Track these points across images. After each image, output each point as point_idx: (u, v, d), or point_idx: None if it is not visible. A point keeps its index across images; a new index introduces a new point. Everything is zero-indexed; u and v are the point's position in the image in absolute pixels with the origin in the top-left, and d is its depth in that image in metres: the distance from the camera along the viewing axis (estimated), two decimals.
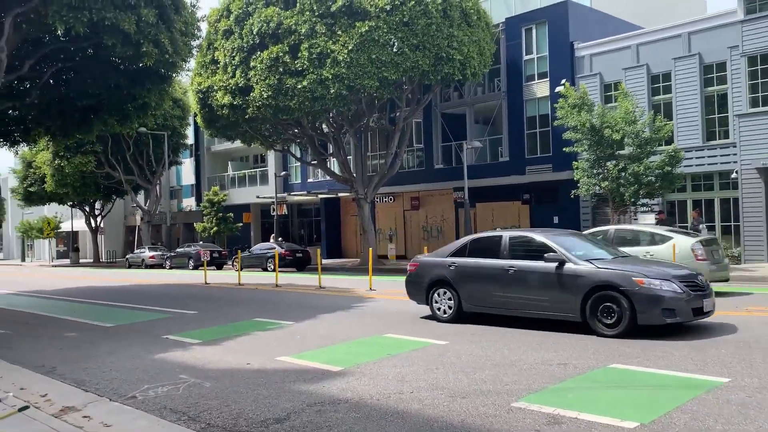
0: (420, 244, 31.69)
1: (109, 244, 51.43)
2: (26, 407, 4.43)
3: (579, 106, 20.71)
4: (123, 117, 19.59)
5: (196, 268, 32.74)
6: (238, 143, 39.74)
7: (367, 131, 28.98)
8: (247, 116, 25.01)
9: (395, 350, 8.43)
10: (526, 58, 27.14)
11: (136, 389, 7.17)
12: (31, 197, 45.65)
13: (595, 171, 20.98)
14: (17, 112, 20.32)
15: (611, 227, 15.49)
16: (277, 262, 20.85)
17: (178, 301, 16.18)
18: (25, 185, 45.35)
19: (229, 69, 25.01)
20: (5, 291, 22.06)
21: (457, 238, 29.69)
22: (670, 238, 13.14)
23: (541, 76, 26.67)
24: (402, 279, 19.31)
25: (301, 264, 28.67)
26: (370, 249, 18.32)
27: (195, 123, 43.67)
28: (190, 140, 44.08)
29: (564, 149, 22.47)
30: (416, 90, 26.67)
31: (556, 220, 26.30)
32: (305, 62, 22.94)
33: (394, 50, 22.71)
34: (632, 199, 20.24)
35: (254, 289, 18.90)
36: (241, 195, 39.97)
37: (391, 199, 32.41)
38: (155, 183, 41.94)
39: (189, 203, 46.77)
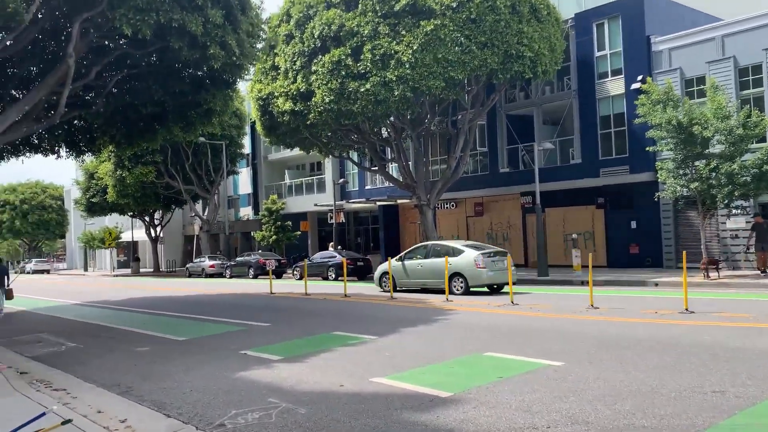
0: None
1: (168, 254, 51.99)
2: (69, 421, 4.28)
3: (663, 103, 19.27)
4: (187, 124, 19.23)
5: (255, 276, 32.48)
6: (294, 151, 39.53)
7: (428, 135, 28.06)
8: (308, 122, 24.44)
9: (505, 372, 7.44)
10: (598, 54, 25.74)
11: (224, 415, 6.40)
12: (93, 208, 46.52)
13: (681, 172, 19.46)
14: (83, 122, 20.26)
15: (429, 243, 21.02)
16: (345, 271, 20.04)
17: (247, 312, 15.57)
18: (87, 196, 46.25)
19: (290, 74, 24.53)
20: (73, 302, 22.03)
21: (525, 245, 28.43)
22: (463, 251, 18.09)
23: (615, 72, 25.23)
24: (478, 290, 18.53)
25: (362, 273, 27.90)
26: (446, 257, 17.33)
27: (252, 132, 43.89)
28: (247, 149, 44.13)
29: (647, 149, 21.03)
30: (481, 91, 25.63)
31: (633, 224, 24.76)
32: (368, 64, 22.22)
33: (461, 49, 21.75)
34: (725, 201, 18.66)
35: (322, 299, 18.17)
36: (298, 203, 39.63)
37: (453, 205, 31.37)
38: (213, 192, 42.07)
39: (246, 212, 46.80)
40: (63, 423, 4.22)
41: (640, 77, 23.70)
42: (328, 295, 19.38)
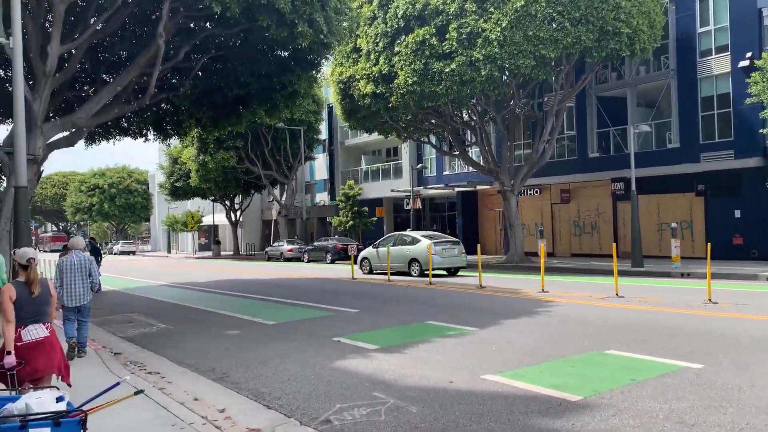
0: (570, 240, 29.20)
1: (247, 237, 52.98)
2: (141, 391, 4.36)
3: None
4: (271, 106, 19.04)
5: (333, 261, 32.37)
6: (372, 137, 39.10)
7: (513, 118, 26.92)
8: (389, 105, 23.86)
9: (637, 375, 6.59)
10: (700, 30, 23.80)
11: (328, 409, 5.91)
12: (177, 192, 47.83)
13: None
14: (170, 105, 20.45)
15: (397, 233, 24.57)
16: (430, 257, 19.33)
17: (331, 297, 15.22)
18: (171, 180, 47.58)
19: (372, 56, 23.99)
20: (160, 283, 22.45)
21: (615, 234, 26.90)
22: (420, 240, 21.38)
23: (720, 50, 23.25)
24: (572, 279, 17.57)
25: None
26: (542, 245, 16.47)
27: (329, 118, 43.85)
28: (323, 135, 44.14)
29: (761, 131, 19.22)
30: (571, 71, 24.26)
31: (737, 214, 22.87)
32: (453, 44, 21.36)
33: (554, 26, 20.53)
34: None
35: (406, 285, 17.63)
36: (374, 189, 39.27)
37: (537, 192, 30.09)
38: (291, 178, 42.32)
39: (322, 198, 46.93)
40: (135, 393, 4.24)
41: (749, 54, 21.74)
42: (411, 281, 18.80)
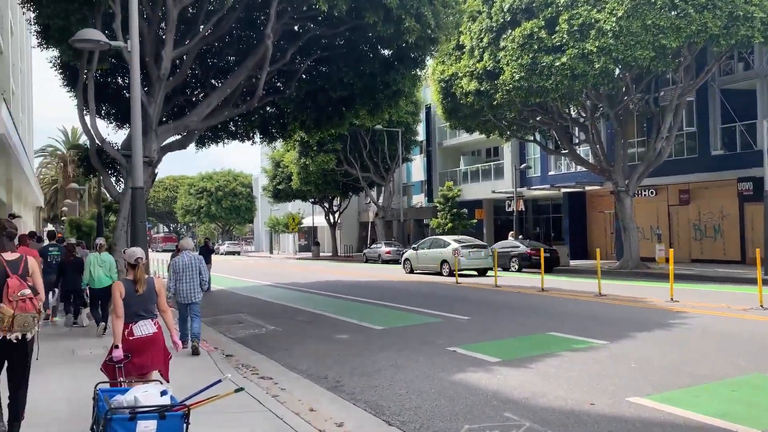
0: (689, 244, 27.03)
1: (345, 239, 53.53)
2: (241, 389, 4.50)
3: None
4: (374, 106, 18.78)
5: None
6: (472, 137, 38.27)
7: (626, 114, 25.25)
8: (494, 102, 23.01)
9: None
10: None
11: (455, 430, 5.34)
12: (279, 194, 49.05)
13: None
14: (275, 109, 20.70)
15: (431, 237, 27.28)
16: (543, 262, 18.32)
17: (438, 301, 14.66)
18: (274, 183, 48.86)
19: (475, 52, 23.25)
20: (265, 282, 22.78)
21: (743, 238, 24.61)
22: (449, 244, 23.95)
23: None
24: (699, 288, 16.03)
25: (549, 265, 25.89)
26: (670, 249, 15.16)
27: (426, 119, 43.39)
28: (421, 137, 43.74)
29: None
30: (692, 63, 22.38)
31: None
32: (564, 36, 20.23)
33: (676, 13, 18.95)
34: None
35: (515, 292, 16.75)
36: (473, 190, 38.34)
37: (652, 193, 28.12)
38: (389, 180, 42.21)
39: (419, 200, 46.53)
40: (236, 391, 4.31)
41: None
42: (520, 287, 17.89)
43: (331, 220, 49.71)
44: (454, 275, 21.93)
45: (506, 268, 26.31)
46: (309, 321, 12.32)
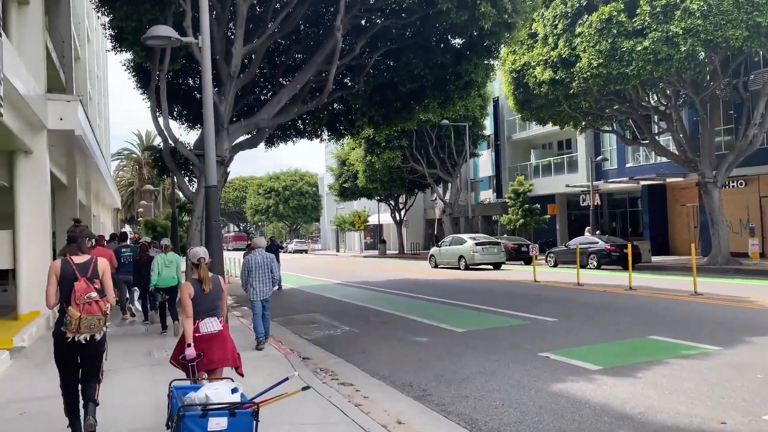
0: None
1: (411, 236, 53.07)
2: (308, 387, 4.58)
3: None
4: (445, 99, 18.14)
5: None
6: (543, 129, 37.01)
7: (713, 100, 23.59)
8: (570, 91, 21.93)
9: None
10: None
11: None
12: (345, 192, 49.08)
13: None
14: (342, 105, 20.39)
15: (453, 235, 31.01)
16: (630, 258, 17.11)
17: (519, 302, 13.93)
18: (340, 181, 48.93)
19: (549, 40, 22.23)
20: (335, 281, 22.56)
21: None
22: (466, 241, 27.72)
23: None
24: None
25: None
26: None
27: (494, 112, 42.31)
28: (488, 131, 42.71)
29: None
30: None
31: None
32: (646, 18, 19.00)
33: None
34: None
35: (601, 290, 15.79)
36: (545, 185, 37.02)
37: (741, 184, 26.25)
38: (456, 175, 41.41)
39: (487, 196, 45.50)
40: (303, 389, 4.38)
41: None
42: (604, 286, 16.88)
43: (397, 218, 49.33)
44: (469, 269, 26.59)
45: (584, 265, 25.10)
46: (384, 321, 11.86)
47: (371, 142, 39.59)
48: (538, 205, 34.63)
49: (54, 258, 12.77)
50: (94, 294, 4.73)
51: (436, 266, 29.32)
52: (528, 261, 30.89)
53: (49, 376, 7.54)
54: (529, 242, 31.91)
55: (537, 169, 38.41)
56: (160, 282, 10.67)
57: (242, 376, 5.51)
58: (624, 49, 19.50)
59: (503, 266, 27.83)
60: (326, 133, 21.82)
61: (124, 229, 47.56)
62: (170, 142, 14.92)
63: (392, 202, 49.10)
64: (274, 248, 18.53)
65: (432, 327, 10.92)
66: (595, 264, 24.42)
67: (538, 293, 15.73)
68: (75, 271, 4.79)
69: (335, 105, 20.49)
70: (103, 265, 4.99)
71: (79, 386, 4.97)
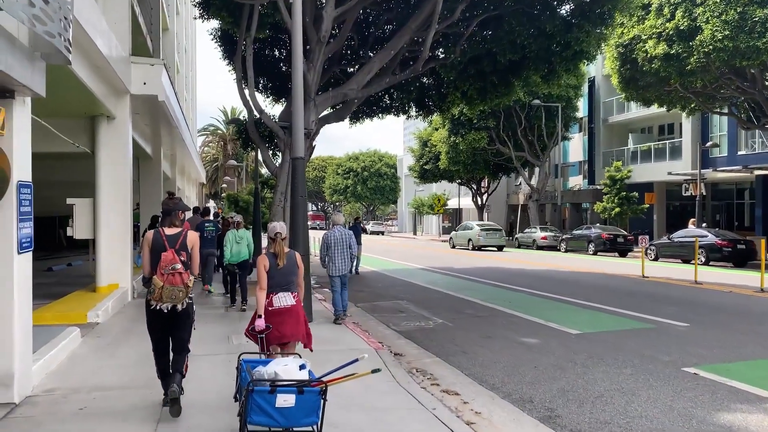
0: None
1: (492, 222, 51.20)
2: (378, 370, 4.41)
3: None
4: (549, 72, 16.51)
5: (595, 253, 28.87)
6: (641, 113, 34.45)
7: None
8: (687, 67, 19.70)
9: None
10: None
11: None
12: (426, 175, 47.82)
13: None
14: (432, 80, 19.11)
15: (464, 222, 39.10)
16: (764, 258, 14.95)
17: (632, 300, 12.34)
18: (421, 163, 47.71)
19: (665, 10, 20.03)
20: (417, 265, 21.46)
21: None
22: (473, 227, 33.61)
23: None
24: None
25: (742, 258, 22.16)
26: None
27: (589, 93, 39.72)
28: (581, 113, 40.20)
29: None
30: None
31: None
32: None
33: None
34: None
35: (727, 291, 13.90)
36: (642, 172, 34.33)
37: None
38: (544, 159, 39.30)
39: (576, 182, 43.09)
40: (373, 371, 4.26)
41: None
42: (728, 286, 14.92)
43: (479, 202, 47.66)
44: (476, 249, 32.19)
45: (687, 260, 22.93)
46: (480, 316, 10.63)
47: (456, 122, 38.08)
48: (636, 194, 32.15)
49: (136, 229, 12.23)
50: (178, 265, 4.79)
51: (453, 247, 35.13)
52: (623, 253, 28.75)
53: (119, 361, 6.84)
54: (625, 232, 29.69)
55: (635, 155, 35.75)
56: (233, 258, 10.72)
57: (311, 351, 5.50)
58: (756, 19, 17.18)
59: (537, 252, 25.87)
60: (414, 108, 20.63)
61: (207, 204, 48.38)
62: (255, 113, 14.19)
63: (474, 186, 47.45)
64: (359, 229, 17.66)
65: (539, 326, 9.61)
66: (703, 259, 22.13)
67: (652, 291, 13.99)
68: (165, 242, 4.90)
69: (424, 79, 19.28)
70: (193, 239, 5.07)
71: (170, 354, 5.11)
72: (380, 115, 21.05)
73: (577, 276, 17.87)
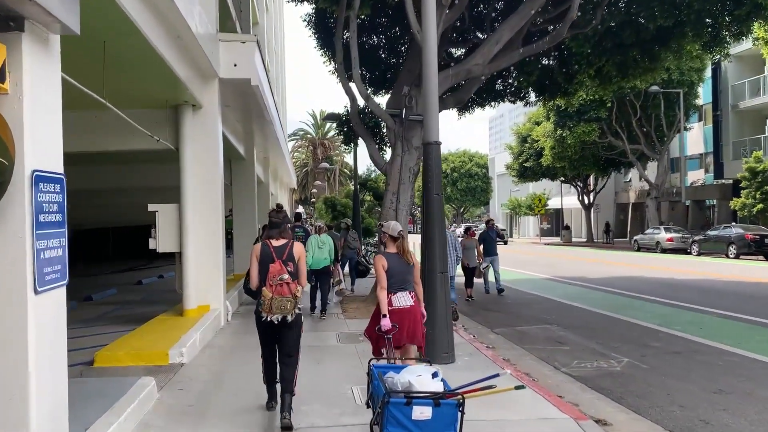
0: None
1: (599, 223, 47.15)
2: (522, 386, 4.06)
3: None
4: (712, 38, 13.42)
5: (738, 256, 24.92)
6: None
7: None
8: None
9: None
10: None
11: None
12: (526, 173, 44.56)
13: None
14: (556, 60, 16.35)
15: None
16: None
17: None
18: (520, 161, 44.51)
19: None
20: (539, 275, 18.60)
21: None
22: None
23: None
24: None
25: None
26: None
27: (713, 77, 35.24)
28: (701, 100, 35.80)
29: None
30: None
31: None
32: None
33: None
34: None
35: None
36: None
37: None
38: (663, 152, 35.23)
39: (697, 176, 38.58)
40: (516, 388, 3.94)
41: None
42: None
43: (586, 201, 43.84)
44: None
45: None
46: (677, 351, 7.86)
47: (563, 114, 34.78)
48: None
49: (230, 237, 10.42)
50: (286, 276, 4.81)
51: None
52: None
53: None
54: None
55: None
56: (313, 264, 10.31)
57: (423, 356, 5.31)
58: None
59: None
60: (533, 94, 17.94)
61: (298, 210, 47.33)
62: (360, 99, 12.09)
63: (580, 184, 43.70)
64: (493, 236, 14.61)
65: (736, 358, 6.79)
66: None
67: None
68: (273, 253, 4.92)
69: (544, 60, 16.59)
70: (299, 250, 5.05)
71: (278, 366, 5.06)
72: (492, 103, 18.59)
73: (753, 288, 14.52)
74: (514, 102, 18.33)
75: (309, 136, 56.59)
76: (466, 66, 11.39)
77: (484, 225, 17.61)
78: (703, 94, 35.87)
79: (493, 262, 14.04)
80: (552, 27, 13.80)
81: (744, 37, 13.60)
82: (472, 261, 12.77)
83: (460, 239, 12.41)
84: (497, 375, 3.97)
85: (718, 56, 13.98)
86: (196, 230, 9.39)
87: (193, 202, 9.43)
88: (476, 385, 3.85)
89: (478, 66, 11.36)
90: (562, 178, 43.71)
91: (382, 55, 17.00)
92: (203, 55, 8.47)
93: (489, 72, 12.07)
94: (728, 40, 13.60)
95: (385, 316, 4.93)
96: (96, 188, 16.44)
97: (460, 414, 3.62)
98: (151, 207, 9.41)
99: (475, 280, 13.19)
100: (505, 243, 43.08)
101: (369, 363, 4.29)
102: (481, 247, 13.37)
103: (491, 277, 14.25)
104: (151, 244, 9.44)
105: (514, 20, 11.36)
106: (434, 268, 6.97)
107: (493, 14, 15.31)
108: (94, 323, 10.05)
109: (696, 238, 28.15)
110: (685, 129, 36.39)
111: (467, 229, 13.87)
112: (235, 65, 9.68)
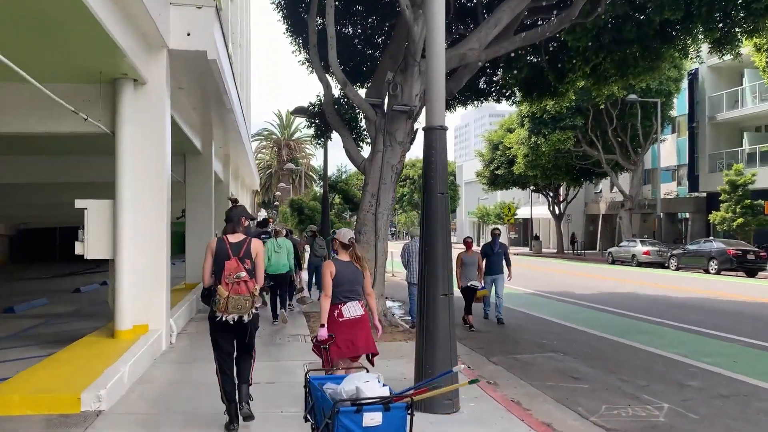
0: None
1: (568, 234, 46.43)
2: (476, 381, 3.88)
3: None
4: (726, 32, 12.27)
5: (719, 272, 24.10)
6: (758, 107, 29.58)
7: None
8: None
9: None
10: None
11: None
12: (496, 181, 43.51)
13: None
14: (545, 55, 15.05)
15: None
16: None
17: None
18: (491, 168, 43.43)
19: None
20: (524, 289, 17.21)
21: None
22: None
23: None
24: None
25: None
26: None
27: (690, 88, 34.72)
28: (675, 112, 35.30)
29: None
30: None
31: None
32: None
33: None
34: None
35: None
36: (764, 177, 29.21)
37: None
38: (639, 162, 34.57)
39: (669, 189, 38.06)
40: (470, 382, 3.75)
41: None
42: None
43: (556, 212, 43.00)
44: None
45: None
46: (723, 395, 6.47)
47: (538, 121, 33.80)
48: (762, 201, 27.13)
49: (172, 243, 8.75)
50: (243, 274, 4.63)
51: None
52: (752, 273, 23.91)
53: None
54: (754, 247, 24.81)
55: (752, 157, 30.62)
56: (272, 269, 9.88)
57: (372, 365, 4.99)
58: None
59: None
60: (519, 93, 16.61)
61: (260, 212, 45.31)
62: (336, 86, 10.55)
63: (551, 194, 42.86)
64: (498, 248, 11.57)
65: None
66: None
67: None
68: (228, 250, 4.73)
69: (530, 58, 15.30)
70: (257, 247, 4.87)
71: (234, 369, 4.88)
72: (474, 103, 17.27)
73: (752, 308, 13.39)
74: (498, 101, 17.00)
75: (274, 136, 54.59)
76: (460, 50, 9.90)
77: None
78: (678, 106, 35.38)
79: (495, 282, 11.31)
80: (546, 20, 12.49)
81: (757, 34, 12.46)
82: (471, 280, 10.45)
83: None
84: (450, 372, 4.01)
85: (728, 55, 12.81)
86: (134, 233, 7.66)
87: (132, 199, 7.70)
88: (425, 386, 3.86)
89: (473, 51, 9.90)
90: (533, 187, 42.80)
91: (358, 46, 15.50)
92: (148, 18, 6.81)
93: (485, 59, 10.60)
94: (738, 37, 12.47)
95: (323, 326, 4.81)
96: (31, 182, 14.47)
97: (409, 417, 3.47)
98: (78, 203, 7.66)
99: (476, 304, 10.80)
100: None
101: (306, 375, 3.97)
102: (483, 262, 11.03)
103: (493, 298, 11.54)
104: (78, 249, 7.67)
105: (514, 1, 9.94)
106: (435, 291, 5.41)
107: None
108: (4, 343, 8.20)
109: (675, 252, 27.31)
110: (660, 140, 35.83)
111: (465, 241, 11.38)
112: (189, 34, 8.00)
